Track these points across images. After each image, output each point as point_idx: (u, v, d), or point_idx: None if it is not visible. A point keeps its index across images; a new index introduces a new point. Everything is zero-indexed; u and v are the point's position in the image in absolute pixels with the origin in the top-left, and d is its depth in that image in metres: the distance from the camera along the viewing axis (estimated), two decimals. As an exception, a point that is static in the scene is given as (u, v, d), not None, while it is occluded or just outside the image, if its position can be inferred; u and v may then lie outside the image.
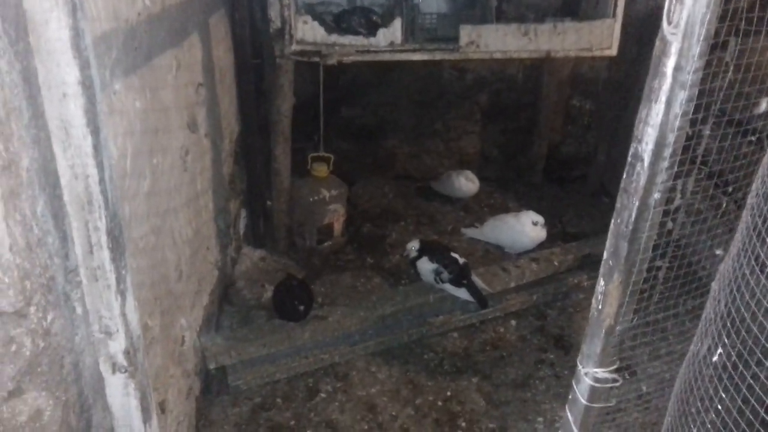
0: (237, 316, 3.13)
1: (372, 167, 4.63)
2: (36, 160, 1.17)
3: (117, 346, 1.35)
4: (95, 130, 1.19)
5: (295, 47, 3.20)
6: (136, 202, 1.85)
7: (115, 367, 1.37)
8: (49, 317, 1.25)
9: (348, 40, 3.24)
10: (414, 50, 3.31)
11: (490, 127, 4.66)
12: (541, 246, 3.53)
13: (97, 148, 1.19)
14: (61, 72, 1.13)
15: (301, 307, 2.86)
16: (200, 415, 2.57)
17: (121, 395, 1.40)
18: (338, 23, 3.31)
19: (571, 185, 4.59)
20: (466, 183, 4.23)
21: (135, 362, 1.39)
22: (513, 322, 3.25)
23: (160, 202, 2.08)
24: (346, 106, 4.52)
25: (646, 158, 1.42)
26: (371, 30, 3.25)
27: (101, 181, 1.22)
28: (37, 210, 1.19)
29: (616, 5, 3.33)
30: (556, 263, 3.41)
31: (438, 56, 3.37)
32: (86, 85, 1.15)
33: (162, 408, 2.03)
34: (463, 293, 3.08)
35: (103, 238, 1.25)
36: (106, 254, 1.27)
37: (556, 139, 4.64)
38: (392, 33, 3.24)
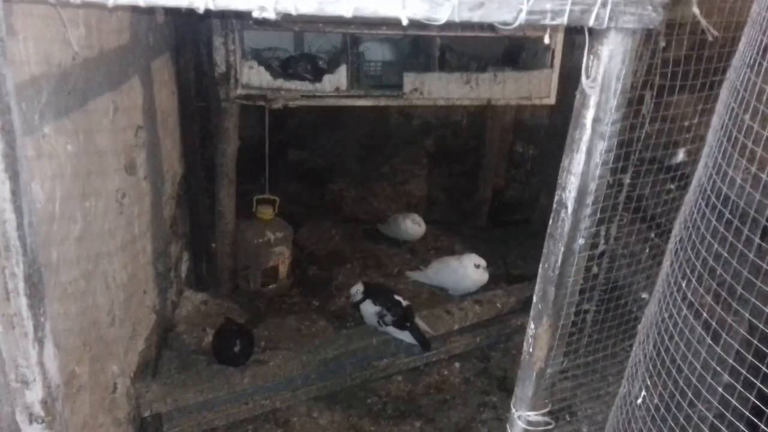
0: (176, 361, 3.05)
1: (319, 210, 4.64)
2: (-49, 205, 1.14)
3: (34, 395, 1.30)
4: (14, 175, 1.16)
5: (240, 91, 3.22)
6: (65, 247, 1.80)
7: (32, 418, 1.32)
8: (-40, 367, 1.20)
9: (294, 85, 3.28)
10: (359, 96, 3.38)
11: (437, 171, 4.74)
12: (484, 288, 3.58)
13: (15, 193, 1.17)
14: (-21, 116, 1.11)
15: (240, 352, 2.81)
16: (132, 467, 2.48)
17: (37, 448, 1.35)
18: (285, 69, 3.35)
19: (515, 228, 4.68)
20: (413, 226, 4.27)
21: (53, 412, 1.34)
22: (457, 365, 3.26)
23: (92, 246, 2.03)
24: (294, 149, 4.55)
25: (570, 205, 1.47)
26: (317, 76, 3.31)
27: (19, 226, 1.19)
28: (-50, 256, 1.15)
29: (553, 57, 3.48)
30: (498, 305, 3.45)
31: (383, 102, 3.44)
32: (6, 129, 1.13)
33: (88, 460, 1.96)
34: (406, 336, 3.08)
35: (21, 285, 1.21)
36: (23, 301, 1.23)
37: (500, 183, 4.75)
38: (338, 79, 3.30)
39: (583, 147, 1.41)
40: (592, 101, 1.37)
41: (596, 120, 1.38)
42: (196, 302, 3.52)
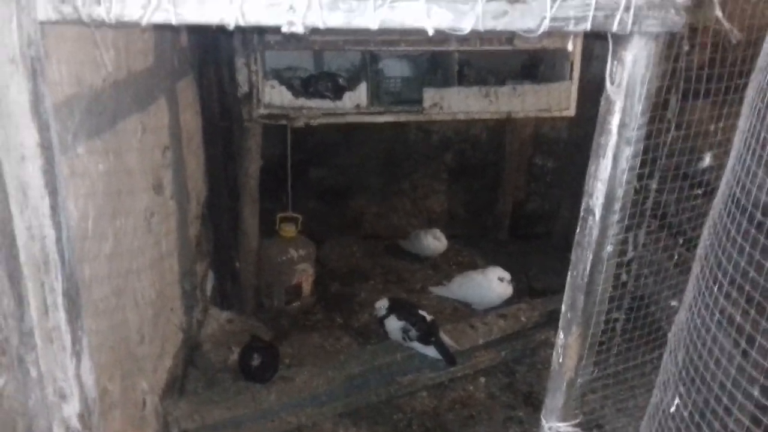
0: (202, 379, 3.06)
1: (340, 227, 4.66)
2: (-8, 221, 1.18)
3: (71, 409, 1.32)
4: (53, 191, 1.19)
5: (262, 111, 3.27)
6: (97, 264, 1.84)
7: (69, 431, 1.34)
8: (2, 380, 1.22)
9: (315, 103, 3.32)
10: (379, 112, 3.41)
11: (456, 185, 4.74)
12: (508, 302, 3.56)
13: (54, 209, 1.20)
14: (20, 134, 1.14)
15: (266, 369, 2.82)
16: (162, 484, 2.49)
17: (74, 461, 1.36)
18: (305, 88, 3.40)
19: (536, 241, 4.66)
20: (434, 241, 4.28)
21: (90, 425, 1.36)
22: (482, 380, 3.24)
23: (122, 264, 2.07)
24: (314, 167, 4.58)
25: (597, 212, 1.47)
26: (337, 94, 3.35)
27: (58, 241, 1.22)
28: (-9, 271, 1.18)
29: (572, 69, 3.48)
30: (523, 319, 3.43)
31: (403, 118, 3.47)
32: (45, 147, 1.17)
33: (120, 476, 1.97)
34: (431, 351, 3.07)
35: (59, 299, 1.24)
36: (62, 315, 1.25)
37: (521, 196, 4.74)
38: (358, 96, 3.33)
39: (610, 153, 1.41)
40: (618, 107, 1.37)
41: (622, 125, 1.38)
42: (221, 320, 3.54)
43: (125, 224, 2.08)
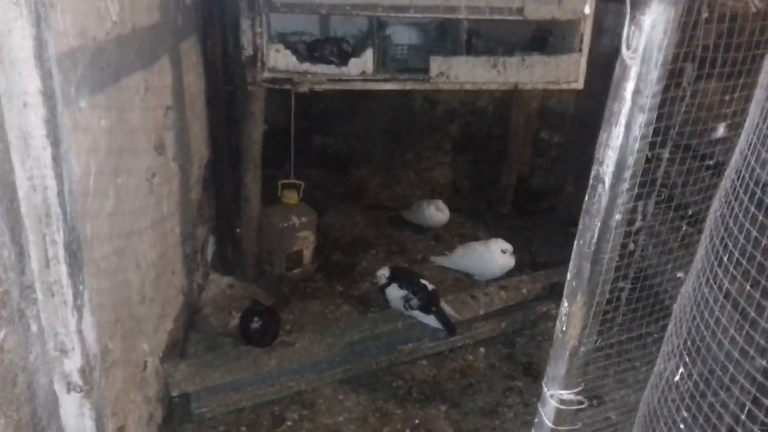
0: (203, 342, 3.08)
1: (343, 196, 4.64)
2: (-7, 171, 1.16)
3: (72, 364, 1.32)
4: (56, 141, 1.17)
5: (266, 75, 3.22)
6: (99, 222, 1.82)
7: (70, 387, 1.34)
8: (2, 333, 1.21)
9: (320, 68, 3.27)
10: (385, 80, 3.36)
11: (461, 157, 4.71)
12: (509, 274, 3.55)
13: (56, 160, 1.18)
14: (22, 81, 1.12)
15: (267, 333, 2.82)
16: (162, 444, 2.50)
17: (75, 416, 1.36)
18: (310, 52, 3.35)
19: (540, 216, 4.64)
20: (437, 213, 4.25)
21: (91, 381, 1.35)
22: (482, 350, 3.25)
23: (124, 223, 2.05)
24: (318, 135, 4.54)
25: (607, 180, 1.45)
26: (343, 59, 3.29)
27: (60, 193, 1.20)
28: (-8, 222, 1.16)
29: (582, 41, 3.42)
30: (524, 291, 3.43)
31: (409, 86, 3.42)
32: (48, 95, 1.14)
33: (121, 434, 1.98)
34: (432, 320, 3.07)
35: (61, 252, 1.23)
36: (63, 269, 1.24)
37: (526, 170, 4.71)
38: (364, 63, 3.28)
39: (623, 120, 1.39)
40: (633, 73, 1.34)
41: (636, 92, 1.35)
42: (222, 285, 3.55)
43: (127, 183, 2.06)
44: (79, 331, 1.31)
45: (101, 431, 1.41)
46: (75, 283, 1.28)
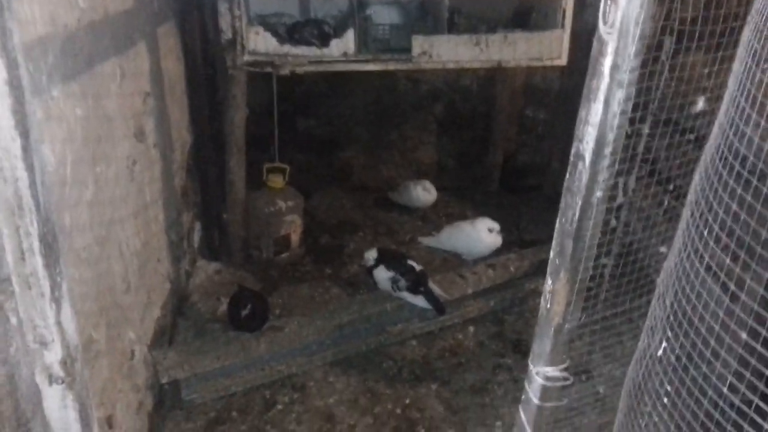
0: (192, 329, 3.07)
1: (329, 178, 4.62)
2: (-38, 164, 1.13)
3: (53, 356, 1.31)
4: (24, 132, 1.15)
5: (247, 58, 3.19)
6: (78, 211, 1.80)
7: (51, 378, 1.33)
8: (-21, 327, 1.20)
9: (301, 50, 3.23)
10: (367, 60, 3.33)
11: (446, 137, 4.70)
12: (497, 252, 3.56)
13: (26, 150, 1.16)
14: (-13, 72, 1.09)
15: (255, 317, 2.82)
16: (153, 431, 2.50)
17: (58, 407, 1.35)
18: (291, 34, 3.30)
19: (527, 194, 4.64)
20: (424, 193, 4.25)
21: (72, 372, 1.34)
22: (471, 329, 3.26)
23: (105, 212, 2.03)
24: (302, 118, 4.51)
25: (587, 157, 1.44)
26: (324, 41, 3.26)
27: (32, 184, 1.18)
28: (-37, 215, 1.14)
29: (564, 16, 3.40)
30: (512, 269, 3.44)
31: (391, 66, 3.39)
32: (14, 85, 1.12)
33: (110, 423, 1.97)
34: (420, 301, 3.07)
35: (35, 244, 1.21)
36: (38, 260, 1.22)
37: (511, 148, 4.70)
38: (345, 44, 3.25)
39: (601, 96, 1.38)
40: (610, 48, 1.33)
41: (614, 67, 1.34)
42: (210, 272, 3.53)
43: (106, 171, 2.04)
44: (58, 323, 1.29)
45: (85, 422, 1.40)
46: (52, 274, 1.26)
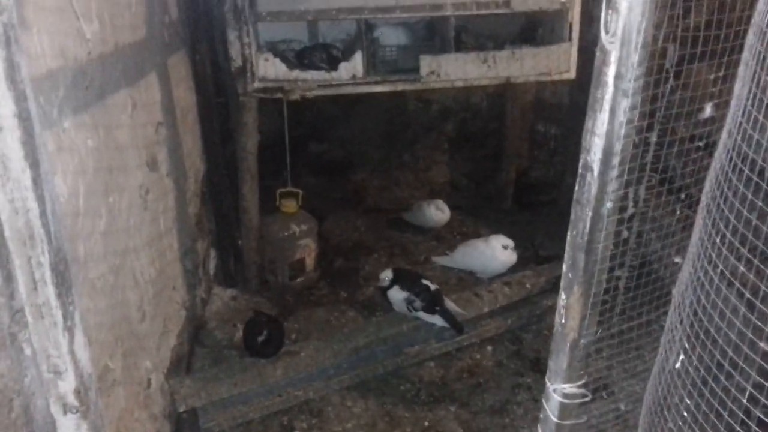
0: (209, 357, 3.07)
1: (342, 201, 4.63)
2: (-27, 196, 1.15)
3: (67, 385, 1.31)
4: (34, 163, 1.17)
5: (257, 84, 3.22)
6: (92, 242, 1.82)
7: (66, 408, 1.33)
8: (-7, 358, 1.21)
9: (310, 75, 3.26)
10: (376, 82, 3.35)
11: (458, 155, 4.70)
12: (513, 269, 3.53)
13: (36, 181, 1.17)
14: (-4, 105, 1.11)
15: (270, 343, 2.81)
16: (171, 461, 2.50)
17: (73, 437, 1.35)
18: (300, 59, 3.35)
19: (541, 209, 4.61)
20: (437, 212, 4.23)
21: (87, 402, 1.34)
22: (489, 348, 3.22)
23: (119, 242, 2.05)
24: (314, 142, 4.55)
25: (596, 168, 1.43)
26: (333, 64, 3.29)
27: (42, 214, 1.19)
28: (-25, 247, 1.16)
29: (571, 30, 3.41)
30: (528, 286, 3.41)
31: (400, 87, 3.41)
32: (23, 117, 1.14)
33: (127, 453, 1.97)
34: (437, 320, 3.05)
35: (47, 274, 1.22)
36: (51, 290, 1.23)
37: (524, 164, 4.69)
38: (353, 66, 3.27)
39: (606, 106, 1.37)
40: (613, 57, 1.33)
41: (618, 77, 1.34)
42: (226, 298, 3.54)
43: (119, 201, 2.06)
44: (72, 352, 1.30)
45: (101, 451, 1.40)
46: (64, 303, 1.27)
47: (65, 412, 1.34)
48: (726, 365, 1.14)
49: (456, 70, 3.33)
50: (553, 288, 3.47)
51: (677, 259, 1.72)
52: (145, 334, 2.29)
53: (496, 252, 3.45)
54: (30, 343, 1.31)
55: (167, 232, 2.67)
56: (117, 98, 2.09)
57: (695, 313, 1.25)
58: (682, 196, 1.70)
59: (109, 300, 1.94)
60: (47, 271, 1.23)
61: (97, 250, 1.86)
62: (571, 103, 4.45)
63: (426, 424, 2.75)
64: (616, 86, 1.34)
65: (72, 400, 1.33)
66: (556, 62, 3.42)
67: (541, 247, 4.13)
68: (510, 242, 3.46)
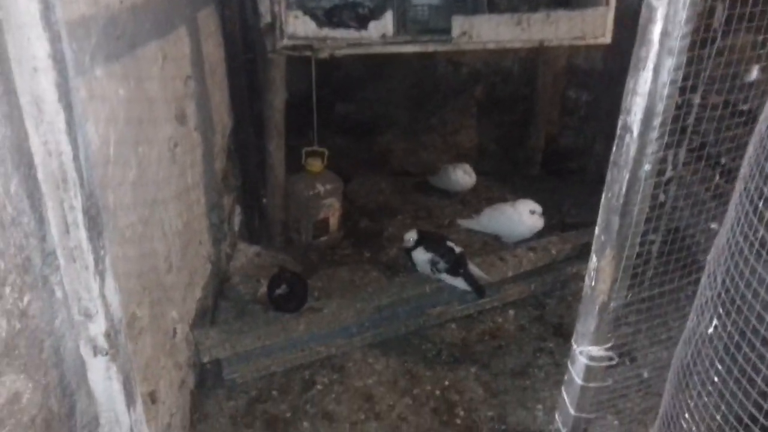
0: (233, 310, 3.10)
1: (368, 163, 4.61)
2: (8, 138, 1.15)
3: (97, 328, 1.33)
4: (68, 105, 1.16)
5: (286, 42, 3.18)
6: (122, 191, 1.82)
7: (96, 350, 1.35)
8: (26, 299, 1.22)
9: (339, 33, 3.21)
10: (406, 42, 3.29)
11: (487, 120, 4.63)
12: (538, 235, 3.50)
13: (70, 124, 1.17)
14: (31, 46, 1.10)
15: (294, 298, 2.84)
16: (195, 408, 2.54)
17: (103, 379, 1.38)
18: (329, 17, 3.29)
19: (569, 177, 4.55)
20: (464, 176, 4.20)
21: (116, 344, 1.36)
22: (511, 312, 3.22)
23: (148, 193, 2.05)
24: (341, 103, 4.51)
25: (635, 129, 1.40)
26: (362, 23, 3.23)
27: (75, 158, 1.19)
28: (10, 188, 1.16)
29: (609, -7, 3.31)
30: (553, 252, 3.38)
31: (431, 48, 3.34)
32: (57, 59, 1.13)
33: (153, 398, 2.01)
34: (460, 282, 3.04)
35: (80, 217, 1.22)
36: (83, 234, 1.24)
37: (554, 131, 4.61)
38: (384, 25, 3.21)
39: (650, 65, 1.33)
40: (660, 14, 1.28)
41: (664, 34, 1.29)
42: (250, 254, 3.56)
43: (149, 153, 2.06)
44: (103, 296, 1.31)
45: (129, 394, 1.43)
46: (95, 247, 1.28)
47: (95, 354, 1.36)
48: (762, 330, 1.12)
49: (488, 31, 3.26)
50: (579, 255, 3.44)
51: (713, 225, 1.68)
52: (171, 285, 2.32)
53: (523, 216, 3.42)
54: (61, 285, 1.33)
55: (194, 186, 2.68)
56: (147, 50, 2.08)
57: (731, 278, 1.23)
58: (722, 161, 1.65)
59: (137, 249, 1.95)
60: (79, 214, 1.23)
61: (126, 199, 1.87)
62: (604, 69, 4.34)
63: (446, 383, 2.77)
64: (661, 44, 1.30)
65: (102, 342, 1.35)
66: (592, 26, 3.32)
67: (567, 214, 4.09)
68: (538, 207, 3.42)
